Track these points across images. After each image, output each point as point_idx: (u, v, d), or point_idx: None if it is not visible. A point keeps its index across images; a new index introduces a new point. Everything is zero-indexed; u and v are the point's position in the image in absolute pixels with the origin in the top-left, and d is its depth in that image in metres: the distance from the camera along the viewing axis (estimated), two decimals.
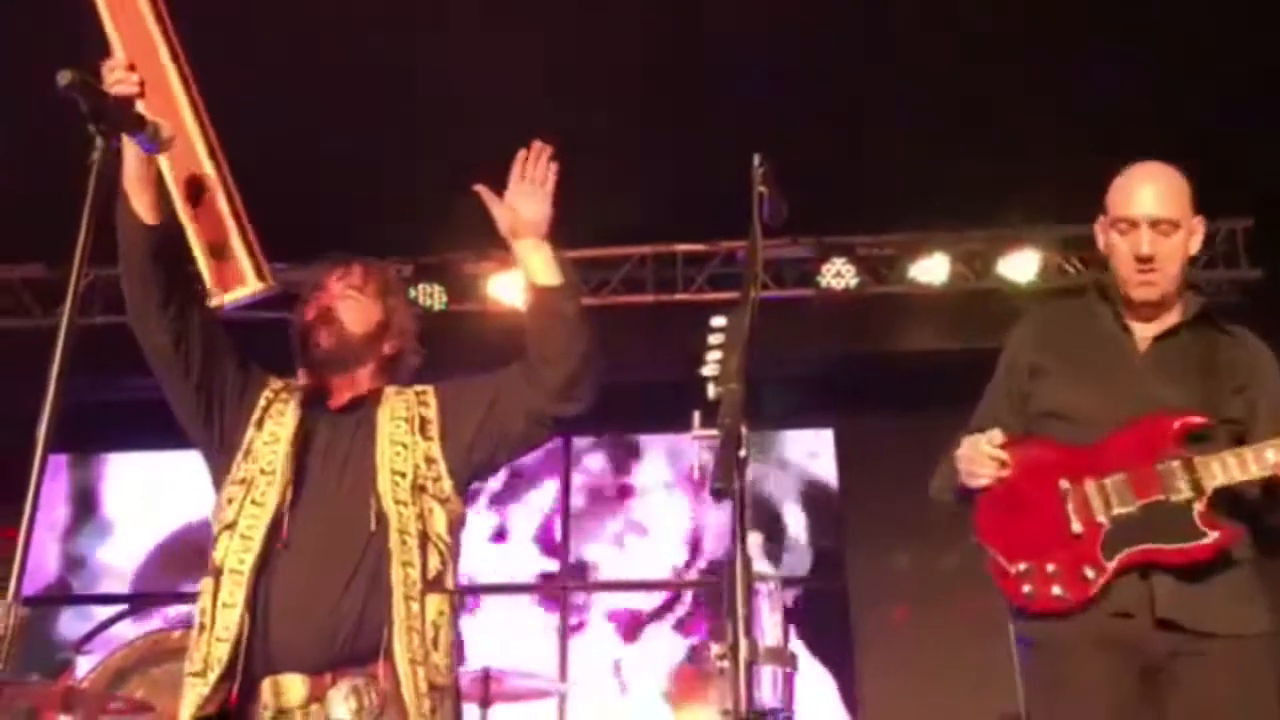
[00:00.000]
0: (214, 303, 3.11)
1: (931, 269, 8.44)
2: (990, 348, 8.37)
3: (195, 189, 3.09)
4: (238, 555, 3.18)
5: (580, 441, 9.72)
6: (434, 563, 3.21)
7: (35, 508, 2.33)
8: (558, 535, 9.51)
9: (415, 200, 7.49)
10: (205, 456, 3.46)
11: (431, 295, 8.52)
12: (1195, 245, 3.93)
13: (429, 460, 3.34)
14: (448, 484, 3.35)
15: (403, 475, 3.28)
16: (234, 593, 3.14)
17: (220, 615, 3.13)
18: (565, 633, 9.11)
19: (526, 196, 3.39)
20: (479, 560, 9.11)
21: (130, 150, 3.07)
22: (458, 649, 3.31)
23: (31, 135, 6.41)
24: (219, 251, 3.07)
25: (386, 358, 3.57)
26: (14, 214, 7.39)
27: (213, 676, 3.09)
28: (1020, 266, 8.37)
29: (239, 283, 3.08)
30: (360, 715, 3.05)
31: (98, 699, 5.84)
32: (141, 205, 3.18)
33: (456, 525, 3.37)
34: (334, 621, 3.11)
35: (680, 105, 7.05)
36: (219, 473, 3.40)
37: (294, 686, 3.09)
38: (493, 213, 3.42)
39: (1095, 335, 3.91)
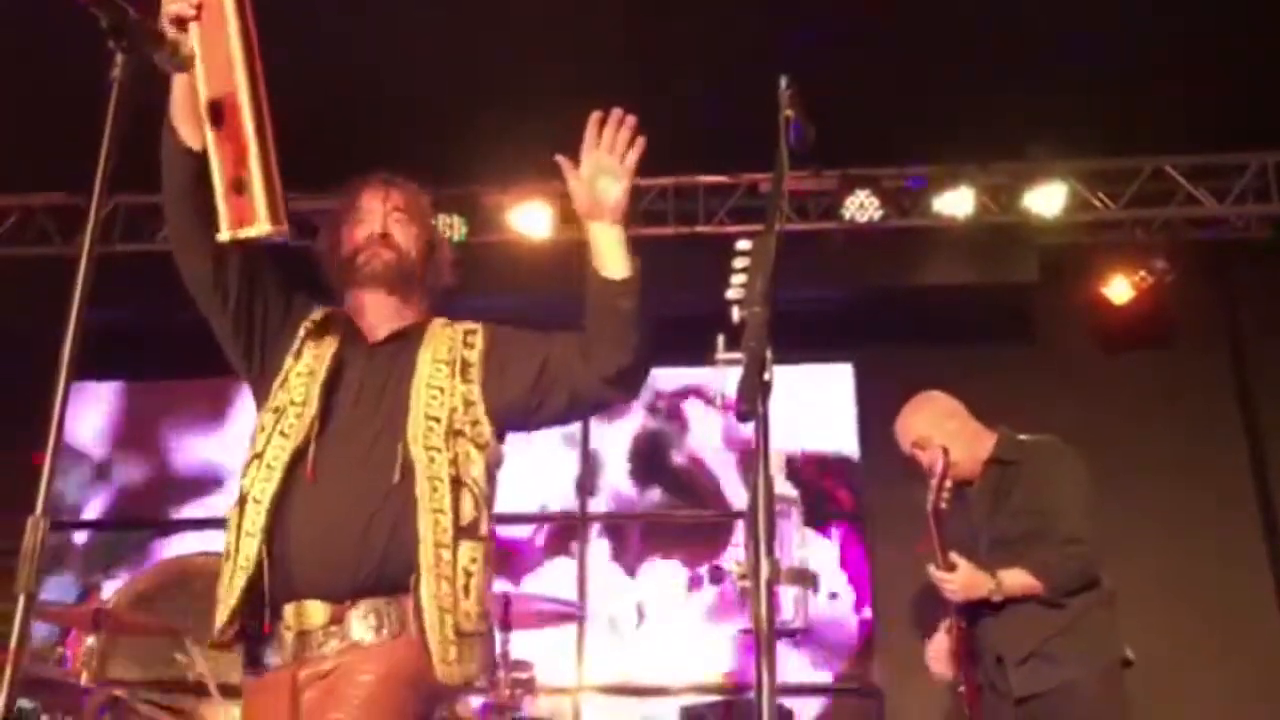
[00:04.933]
0: (220, 238, 3.05)
1: (956, 202, 8.39)
2: (1014, 282, 8.46)
3: (221, 115, 3.03)
4: (261, 485, 3.18)
5: None
6: (467, 508, 3.18)
7: (61, 431, 2.36)
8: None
9: (434, 127, 7.49)
10: (249, 383, 3.47)
11: (451, 226, 8.49)
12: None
13: (467, 403, 3.29)
14: (487, 428, 3.30)
15: (437, 420, 3.23)
16: (255, 522, 3.14)
17: (243, 544, 3.14)
18: (583, 563, 9.15)
19: (606, 173, 3.25)
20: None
21: (179, 76, 3.07)
22: (490, 594, 3.27)
23: (50, 57, 6.42)
24: (237, 185, 3.01)
25: (433, 283, 3.57)
26: (34, 141, 7.42)
27: (233, 602, 3.12)
28: (1047, 200, 8.30)
29: (250, 221, 3.01)
30: (380, 634, 3.07)
31: (124, 620, 5.91)
32: (186, 130, 3.17)
33: (495, 470, 3.34)
34: (356, 557, 3.10)
35: (703, 32, 7.02)
36: (259, 399, 3.41)
37: (315, 611, 3.10)
38: (569, 186, 3.28)
39: None
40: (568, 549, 9.23)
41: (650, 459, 9.47)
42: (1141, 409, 8.42)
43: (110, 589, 8.58)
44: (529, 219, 8.49)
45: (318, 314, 3.48)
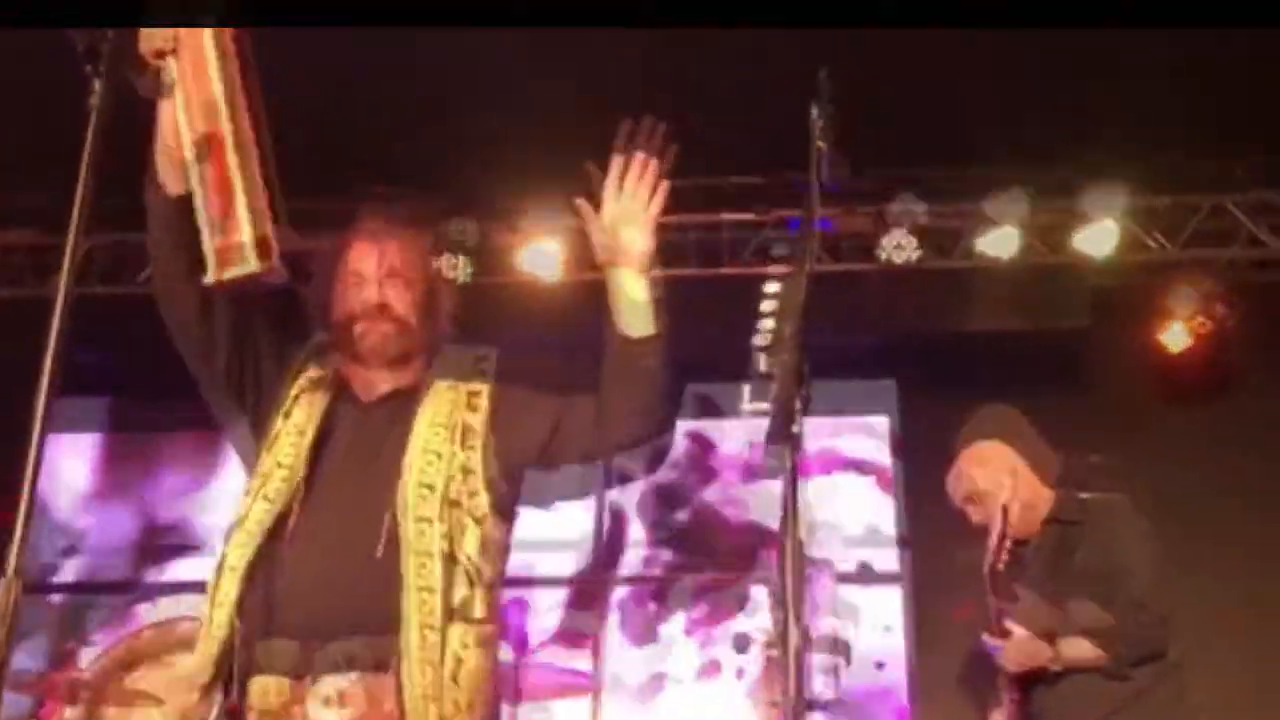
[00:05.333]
0: (207, 279, 2.99)
1: (1000, 242, 8.36)
2: (1063, 328, 8.42)
3: (206, 152, 3.02)
4: (238, 552, 3.15)
5: None
6: (460, 590, 3.10)
7: (35, 486, 2.35)
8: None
9: (440, 165, 7.51)
10: (236, 447, 3.46)
11: (456, 266, 8.50)
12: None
13: (466, 472, 3.21)
14: (484, 499, 3.22)
15: (431, 489, 3.16)
16: (228, 591, 3.10)
17: (215, 614, 3.10)
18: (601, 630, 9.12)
19: (629, 220, 3.17)
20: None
21: (165, 114, 3.04)
22: (489, 685, 3.17)
23: (24, 86, 6.45)
24: (224, 225, 2.97)
25: (433, 340, 3.50)
26: (6, 176, 7.44)
27: (204, 678, 3.08)
28: (1098, 240, 8.27)
29: (236, 261, 2.97)
30: (342, 711, 3.02)
31: (101, 690, 5.89)
32: (170, 177, 3.13)
33: (492, 548, 3.23)
34: (327, 630, 3.05)
35: (730, 60, 7.03)
36: (249, 462, 3.37)
37: (273, 689, 3.06)
38: (590, 231, 3.21)
39: None
40: (583, 614, 9.20)
41: (665, 515, 9.45)
42: (1200, 464, 8.36)
43: (88, 656, 8.56)
44: (538, 259, 8.50)
45: (313, 372, 3.42)
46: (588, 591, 9.23)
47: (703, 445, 9.49)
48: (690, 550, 9.34)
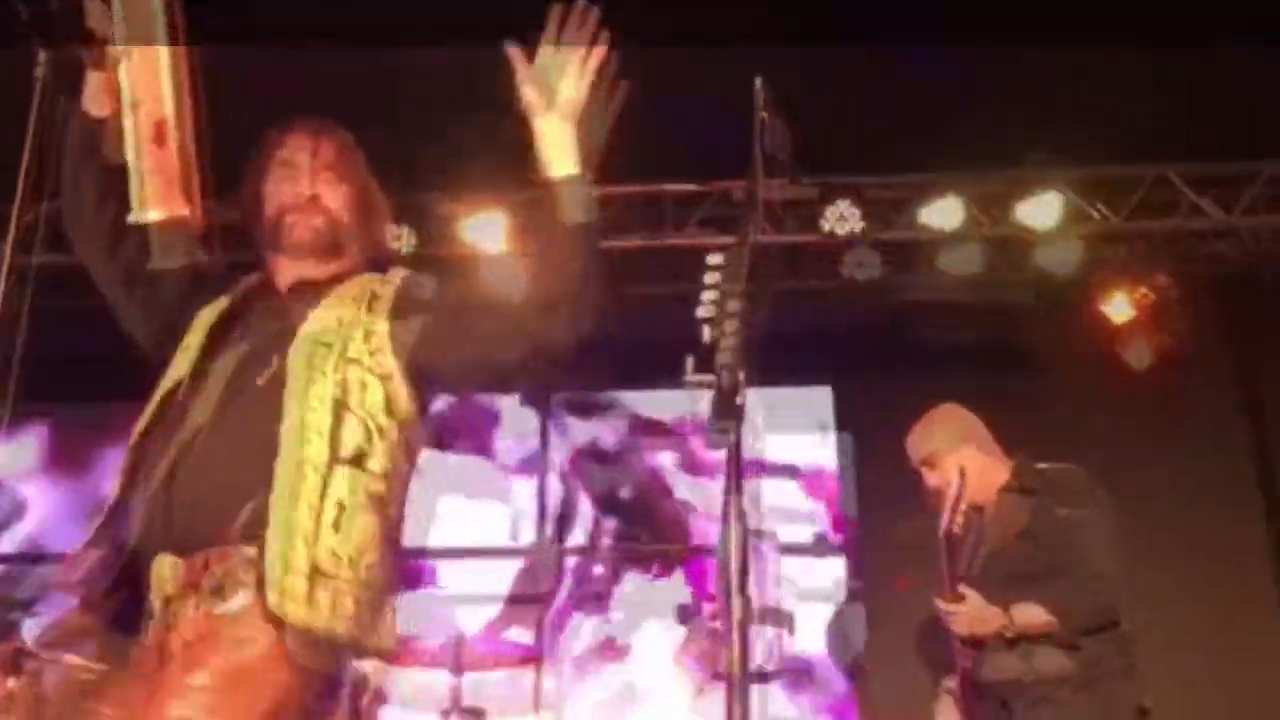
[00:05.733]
0: (131, 218, 2.98)
1: (944, 213, 8.41)
2: (1007, 301, 8.47)
3: (142, 103, 3.02)
4: (134, 431, 3.06)
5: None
6: (352, 437, 2.94)
7: None
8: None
9: (382, 137, 7.49)
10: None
11: (400, 237, 8.48)
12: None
13: (368, 333, 3.08)
14: (391, 361, 3.06)
15: (328, 345, 3.04)
16: (122, 469, 3.03)
17: (113, 492, 3.02)
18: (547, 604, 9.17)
19: (562, 71, 3.00)
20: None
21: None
22: (384, 554, 2.95)
23: None
24: (154, 167, 2.98)
25: (366, 246, 3.37)
26: None
27: (98, 552, 2.96)
28: (1042, 211, 8.33)
29: (168, 202, 2.98)
30: (229, 602, 2.80)
31: (45, 663, 5.85)
32: (93, 100, 3.08)
33: (403, 407, 3.07)
34: (211, 497, 2.89)
35: (673, 30, 7.02)
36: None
37: (167, 569, 2.88)
38: (520, 81, 3.02)
39: None
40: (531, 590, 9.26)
41: (610, 487, 9.50)
42: (1143, 433, 8.43)
43: (30, 628, 8.50)
44: (481, 231, 8.50)
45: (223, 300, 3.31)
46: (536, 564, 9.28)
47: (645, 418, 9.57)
48: (634, 522, 9.40)
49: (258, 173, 3.36)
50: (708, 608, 4.99)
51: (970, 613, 4.90)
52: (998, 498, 5.20)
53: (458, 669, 5.82)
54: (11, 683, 5.61)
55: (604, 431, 9.63)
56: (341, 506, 2.86)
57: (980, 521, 5.21)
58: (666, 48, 7.03)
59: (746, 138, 2.89)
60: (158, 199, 2.99)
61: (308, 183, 3.29)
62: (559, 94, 3.01)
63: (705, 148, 6.99)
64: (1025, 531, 5.09)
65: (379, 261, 3.38)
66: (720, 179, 8.43)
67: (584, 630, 9.12)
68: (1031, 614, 4.88)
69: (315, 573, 2.78)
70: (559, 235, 3.02)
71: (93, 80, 3.07)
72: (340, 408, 2.96)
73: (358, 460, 2.94)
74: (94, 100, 3.10)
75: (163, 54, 3.01)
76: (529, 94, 3.03)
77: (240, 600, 2.79)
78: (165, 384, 3.11)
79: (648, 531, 9.36)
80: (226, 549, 2.84)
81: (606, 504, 9.47)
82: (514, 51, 3.03)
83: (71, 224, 3.24)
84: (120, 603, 2.97)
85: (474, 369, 3.26)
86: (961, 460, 5.15)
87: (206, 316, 3.23)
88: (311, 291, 3.22)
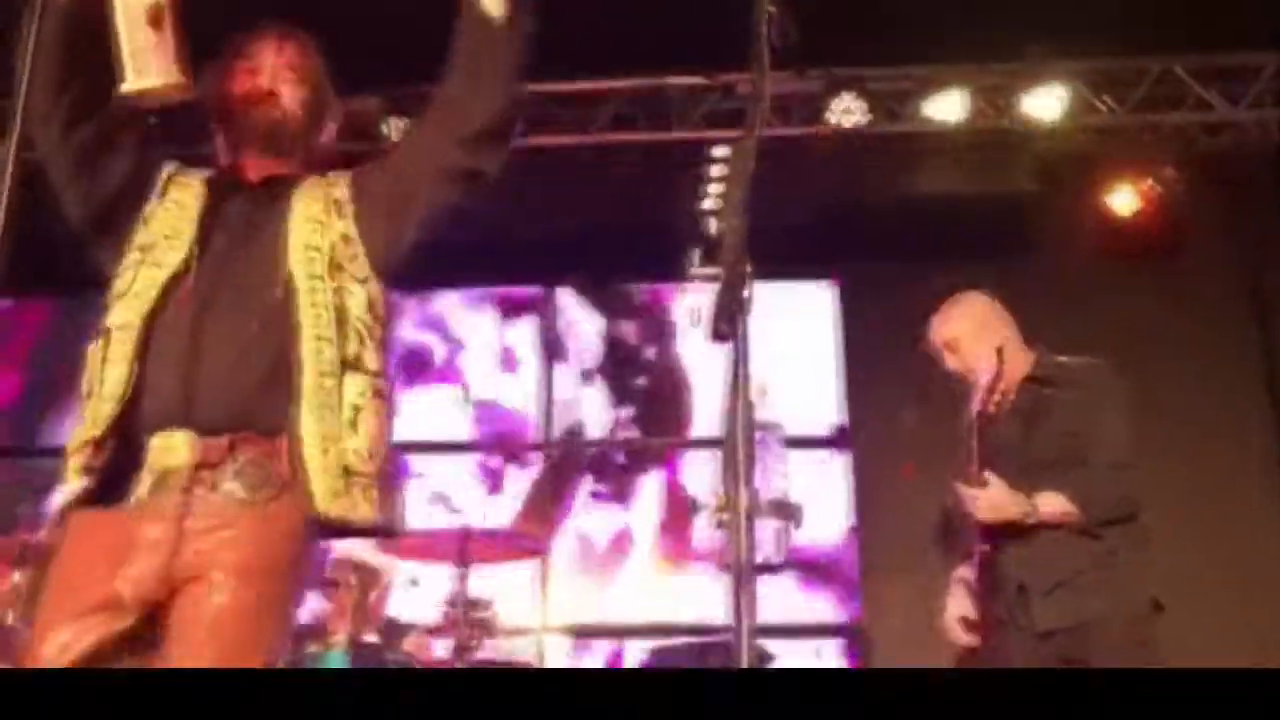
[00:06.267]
0: (124, 88, 3.04)
1: (948, 106, 8.36)
2: (1010, 191, 8.46)
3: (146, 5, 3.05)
4: (128, 313, 3.11)
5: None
6: (352, 344, 3.13)
7: None
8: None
9: (383, 26, 7.44)
10: (84, 230, 3.35)
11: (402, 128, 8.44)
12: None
13: (345, 238, 3.24)
14: (364, 262, 3.24)
15: (318, 250, 3.20)
16: (122, 348, 3.07)
17: (107, 374, 3.06)
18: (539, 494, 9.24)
19: None
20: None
21: None
22: (387, 445, 3.18)
23: None
24: (152, 45, 3.05)
25: (319, 146, 3.49)
26: None
27: (97, 432, 3.02)
28: (1046, 103, 8.28)
29: (158, 74, 3.05)
30: (256, 494, 3.01)
31: (49, 555, 5.87)
32: None
33: (380, 307, 3.25)
34: (234, 381, 3.05)
35: None
36: (103, 247, 3.31)
37: (180, 445, 3.01)
38: None
39: None
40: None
41: (621, 373, 9.54)
42: (1148, 325, 8.41)
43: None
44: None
45: (172, 167, 3.39)
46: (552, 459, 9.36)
47: (658, 306, 9.58)
48: (651, 413, 9.45)
49: (222, 71, 3.44)
50: (713, 499, 5.00)
51: (993, 497, 4.89)
52: (1020, 387, 5.16)
53: (463, 561, 5.85)
54: (17, 576, 5.65)
55: (623, 323, 9.65)
56: (356, 408, 3.07)
57: (1000, 413, 5.16)
58: None
59: (750, 26, 2.86)
60: (157, 71, 3.06)
61: (268, 78, 3.39)
62: None
63: (708, 36, 6.91)
64: (1048, 421, 5.06)
65: (323, 163, 3.48)
66: (724, 69, 8.37)
67: (600, 522, 9.19)
68: (1054, 502, 4.85)
69: (346, 472, 3.02)
70: (490, 62, 3.19)
71: None
72: (341, 316, 3.13)
73: (357, 363, 3.13)
74: None
75: None
76: None
77: (267, 491, 3.00)
78: (161, 269, 3.15)
79: (664, 423, 9.41)
80: (250, 436, 3.03)
81: (623, 395, 9.51)
82: None
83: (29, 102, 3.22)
84: (111, 477, 3.05)
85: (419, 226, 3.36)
86: (993, 341, 5.13)
87: (178, 197, 3.30)
88: (280, 185, 3.35)
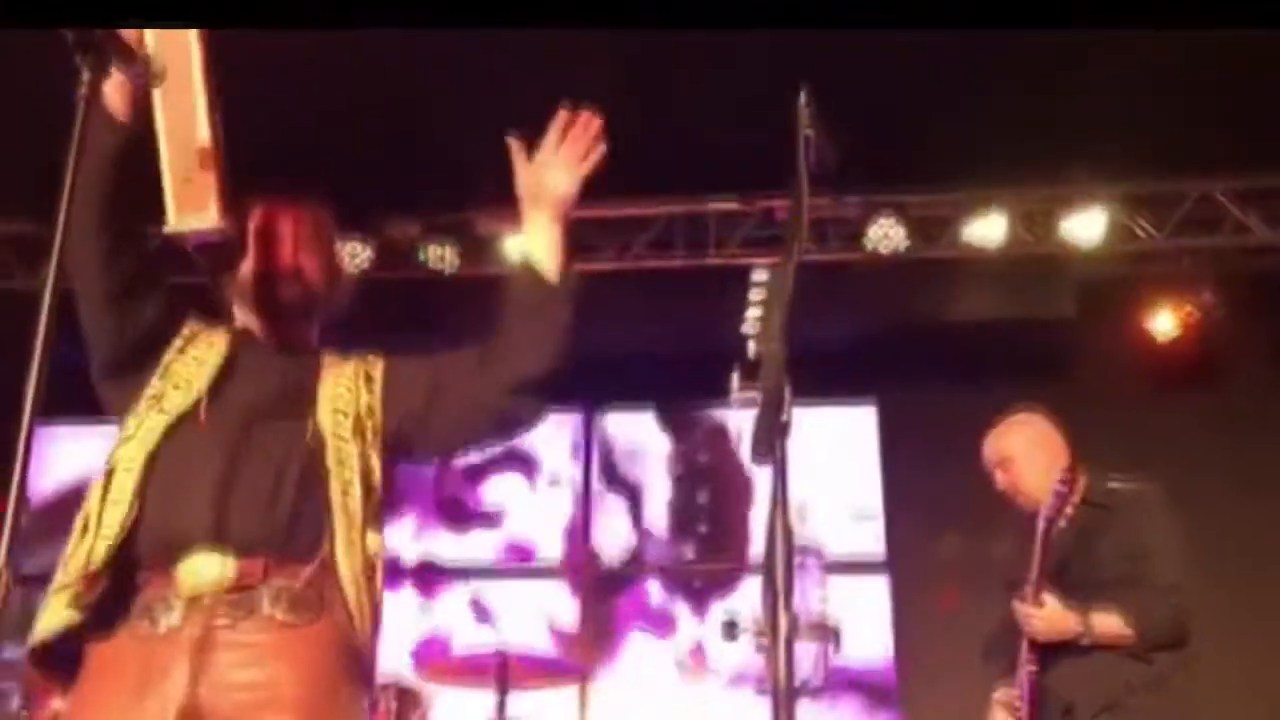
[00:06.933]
0: (167, 228, 3.08)
1: (987, 230, 8.37)
2: (1050, 318, 8.45)
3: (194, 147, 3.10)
4: (133, 453, 3.07)
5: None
6: (372, 505, 3.12)
7: (25, 477, 2.35)
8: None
9: (423, 151, 7.51)
10: (105, 375, 3.33)
11: (442, 256, 8.48)
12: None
13: (370, 410, 3.26)
14: (380, 440, 3.25)
15: (345, 414, 3.20)
16: (123, 488, 3.02)
17: (107, 512, 3.01)
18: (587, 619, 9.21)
19: (558, 168, 3.21)
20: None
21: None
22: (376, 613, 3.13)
23: (14, 78, 6.43)
24: (187, 178, 3.09)
25: (333, 314, 3.55)
26: None
27: (96, 565, 2.95)
28: (1085, 227, 8.27)
29: (199, 210, 3.09)
30: (298, 616, 2.97)
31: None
32: (114, 104, 3.11)
33: (388, 483, 3.25)
34: (269, 504, 3.02)
35: (714, 44, 7.01)
36: (116, 395, 3.30)
37: (214, 566, 2.95)
38: (516, 170, 3.24)
39: None
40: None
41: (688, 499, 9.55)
42: (1188, 454, 8.35)
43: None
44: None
45: (196, 324, 3.40)
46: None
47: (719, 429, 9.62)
48: (709, 539, 9.46)
49: (238, 247, 3.45)
50: (753, 622, 4.99)
51: (1051, 616, 4.87)
52: (1075, 507, 5.16)
53: (502, 684, 5.82)
54: (58, 703, 5.65)
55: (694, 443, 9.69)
56: (373, 565, 3.09)
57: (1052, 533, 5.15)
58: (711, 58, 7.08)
59: (788, 150, 2.89)
60: (199, 212, 3.11)
61: (289, 253, 3.42)
62: (553, 188, 3.23)
63: (745, 161, 6.96)
64: (1103, 542, 5.04)
65: (337, 324, 3.56)
66: (763, 193, 8.42)
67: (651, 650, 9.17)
68: (1110, 622, 4.83)
69: (374, 614, 3.07)
70: (541, 324, 3.23)
71: (116, 83, 3.07)
72: (365, 476, 3.14)
73: (375, 523, 3.15)
74: (117, 100, 3.12)
75: (197, 79, 3.07)
76: (522, 184, 3.25)
77: (307, 614, 2.98)
78: (165, 415, 3.14)
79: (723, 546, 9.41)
80: (284, 559, 3.00)
81: (686, 516, 9.51)
82: (514, 142, 3.24)
83: (74, 228, 3.22)
84: (103, 611, 3.00)
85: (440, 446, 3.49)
86: (1038, 470, 5.15)
87: (199, 354, 3.30)
88: (304, 348, 3.43)
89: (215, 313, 3.53)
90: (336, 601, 2.99)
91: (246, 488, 3.03)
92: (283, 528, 3.01)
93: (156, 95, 3.10)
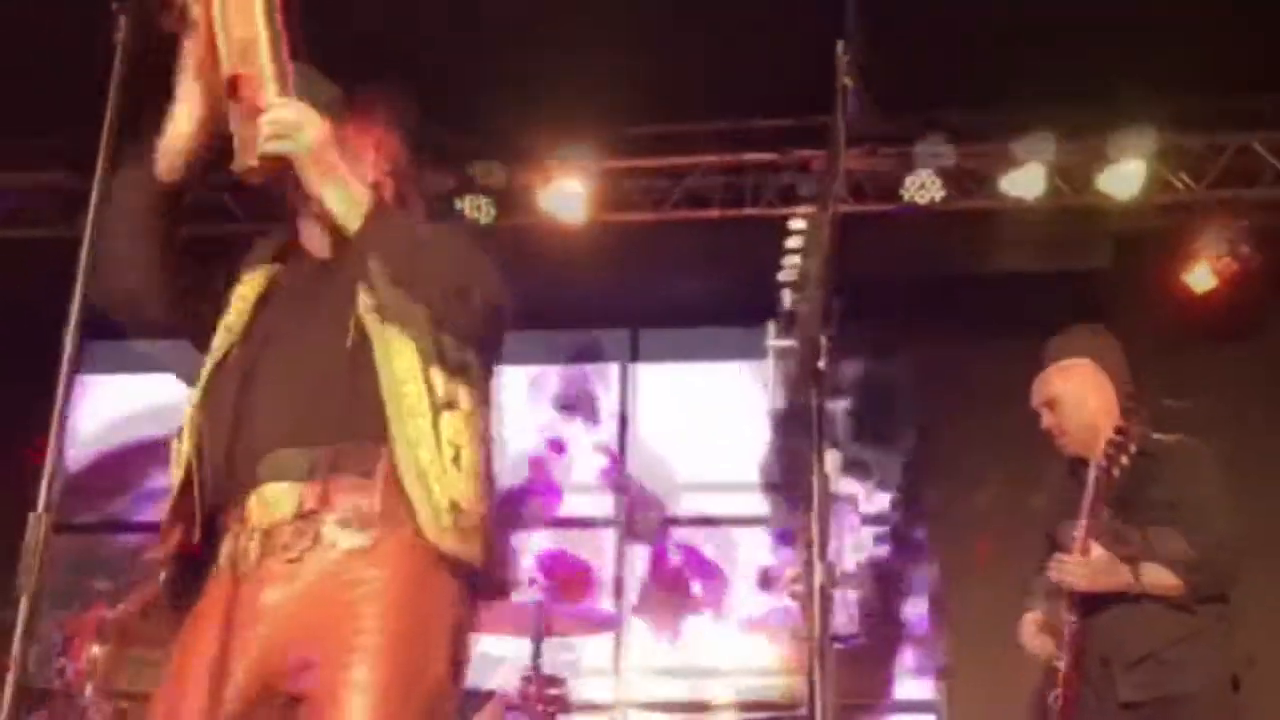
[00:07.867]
0: (237, 166, 2.97)
1: (1025, 182, 8.31)
2: (1087, 270, 8.39)
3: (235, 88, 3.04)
4: (190, 403, 3.11)
5: None
6: (439, 382, 3.00)
7: (64, 422, 2.36)
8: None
9: (467, 104, 7.48)
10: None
11: (479, 208, 8.45)
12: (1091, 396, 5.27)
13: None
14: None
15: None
16: (183, 436, 3.07)
17: (173, 469, 3.08)
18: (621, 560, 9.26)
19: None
20: None
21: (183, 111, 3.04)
22: (492, 485, 3.08)
23: (51, 25, 6.43)
24: (247, 121, 2.97)
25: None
26: (31, 116, 7.44)
27: (168, 521, 3.03)
28: (1123, 180, 8.22)
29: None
30: (367, 536, 2.91)
31: (132, 630, 5.90)
32: (166, 161, 3.10)
33: (464, 352, 3.11)
34: (315, 418, 2.99)
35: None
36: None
37: (282, 497, 2.95)
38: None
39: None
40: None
41: None
42: (1225, 406, 8.30)
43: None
44: (561, 200, 8.44)
45: (248, 257, 3.35)
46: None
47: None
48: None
49: None
50: (789, 571, 4.98)
51: (1097, 566, 4.83)
52: (1129, 459, 5.09)
53: (537, 635, 5.83)
54: (95, 649, 5.68)
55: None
56: (456, 446, 2.96)
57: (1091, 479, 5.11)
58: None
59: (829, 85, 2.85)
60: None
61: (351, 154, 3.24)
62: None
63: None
64: (1150, 491, 4.99)
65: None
66: (800, 146, 8.37)
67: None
68: (1159, 575, 4.80)
69: (455, 508, 2.90)
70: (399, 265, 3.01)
71: (178, 137, 3.07)
72: (423, 354, 3.01)
73: (450, 404, 3.01)
74: (170, 157, 3.10)
75: (259, 18, 3.00)
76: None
77: (373, 535, 2.91)
78: (213, 354, 3.14)
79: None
80: (342, 480, 2.95)
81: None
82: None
83: (136, 281, 3.17)
84: (183, 568, 3.07)
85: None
86: (1088, 414, 5.13)
87: (246, 289, 3.24)
88: (351, 254, 3.12)
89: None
90: (400, 510, 2.89)
91: (284, 394, 3.01)
92: (335, 419, 2.97)
93: (217, 19, 3.02)
